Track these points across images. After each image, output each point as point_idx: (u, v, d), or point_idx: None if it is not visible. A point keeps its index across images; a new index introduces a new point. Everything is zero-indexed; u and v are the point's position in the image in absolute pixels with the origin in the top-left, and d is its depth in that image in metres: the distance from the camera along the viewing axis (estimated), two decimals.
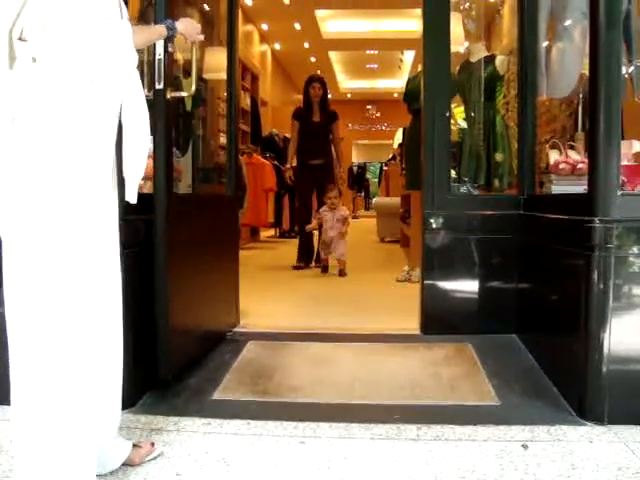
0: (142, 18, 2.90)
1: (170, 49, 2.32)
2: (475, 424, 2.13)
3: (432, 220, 3.17)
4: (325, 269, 5.71)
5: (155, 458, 1.87)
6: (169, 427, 2.12)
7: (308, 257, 6.03)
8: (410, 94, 4.84)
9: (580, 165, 2.81)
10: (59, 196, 1.51)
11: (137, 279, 2.28)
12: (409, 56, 13.85)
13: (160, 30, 1.94)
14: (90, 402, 1.61)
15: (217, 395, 2.43)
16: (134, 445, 1.85)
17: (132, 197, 1.73)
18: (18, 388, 1.52)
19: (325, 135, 6.04)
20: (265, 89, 11.94)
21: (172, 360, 2.40)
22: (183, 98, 3.10)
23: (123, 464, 1.80)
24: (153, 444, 1.91)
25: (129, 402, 2.24)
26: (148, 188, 2.45)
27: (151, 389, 2.41)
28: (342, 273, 5.55)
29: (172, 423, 2.15)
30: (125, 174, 1.71)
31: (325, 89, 6.09)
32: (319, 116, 6.01)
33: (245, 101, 9.14)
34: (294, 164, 6.09)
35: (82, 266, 1.56)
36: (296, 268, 5.92)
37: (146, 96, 2.32)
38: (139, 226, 2.32)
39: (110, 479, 1.74)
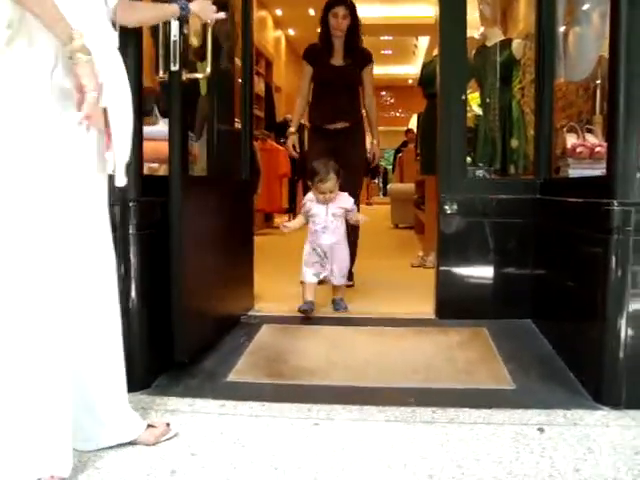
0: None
1: (185, 31, 2.31)
2: (491, 408, 2.12)
3: (447, 204, 3.14)
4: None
5: (170, 438, 1.87)
6: (184, 408, 2.13)
7: None
8: (426, 78, 4.79)
9: (598, 148, 2.79)
10: (34, 181, 1.50)
11: (153, 261, 2.29)
12: (423, 42, 13.74)
13: (172, 9, 1.93)
14: (62, 387, 1.57)
15: (232, 377, 2.44)
16: (149, 425, 1.86)
17: (121, 181, 1.70)
18: None
19: (352, 87, 4.05)
20: (279, 75, 11.90)
21: (187, 342, 2.40)
22: (198, 82, 3.09)
23: (138, 444, 1.81)
24: (168, 425, 1.91)
25: (144, 383, 2.27)
26: (163, 170, 2.45)
27: (166, 371, 2.42)
28: (340, 304, 3.45)
29: (187, 404, 2.16)
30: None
31: (355, 17, 3.99)
32: (343, 58, 4.01)
33: (259, 87, 9.12)
34: (292, 130, 4.19)
35: (56, 249, 1.54)
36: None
37: (161, 78, 2.33)
38: (155, 208, 2.33)
39: (125, 458, 1.75)
